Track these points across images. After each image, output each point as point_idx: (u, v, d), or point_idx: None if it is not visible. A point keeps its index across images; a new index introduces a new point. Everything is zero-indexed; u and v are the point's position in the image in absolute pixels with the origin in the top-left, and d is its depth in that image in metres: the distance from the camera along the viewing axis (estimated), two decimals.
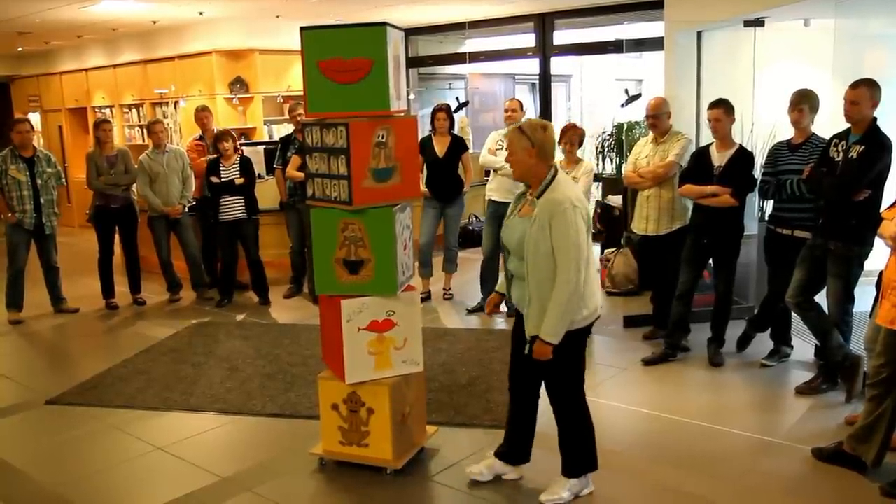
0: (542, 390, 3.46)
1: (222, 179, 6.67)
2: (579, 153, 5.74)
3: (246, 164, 6.81)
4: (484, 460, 3.65)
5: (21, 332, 6.54)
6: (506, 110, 6.50)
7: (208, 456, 4.03)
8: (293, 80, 9.84)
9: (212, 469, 3.85)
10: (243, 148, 7.33)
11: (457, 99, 9.08)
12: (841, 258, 4.28)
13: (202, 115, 7.46)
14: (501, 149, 6.01)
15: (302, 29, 3.51)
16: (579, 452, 3.40)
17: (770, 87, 6.06)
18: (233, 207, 6.73)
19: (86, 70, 11.73)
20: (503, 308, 3.89)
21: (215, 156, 6.87)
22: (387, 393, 3.59)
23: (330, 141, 3.50)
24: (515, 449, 3.59)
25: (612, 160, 9.69)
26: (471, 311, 6.44)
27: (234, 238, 6.85)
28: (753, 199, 5.51)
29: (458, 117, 9.20)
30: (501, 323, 6.14)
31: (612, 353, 5.48)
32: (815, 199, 4.45)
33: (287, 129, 8.56)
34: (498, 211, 6.06)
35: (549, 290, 3.12)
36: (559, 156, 5.92)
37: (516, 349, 3.46)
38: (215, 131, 7.34)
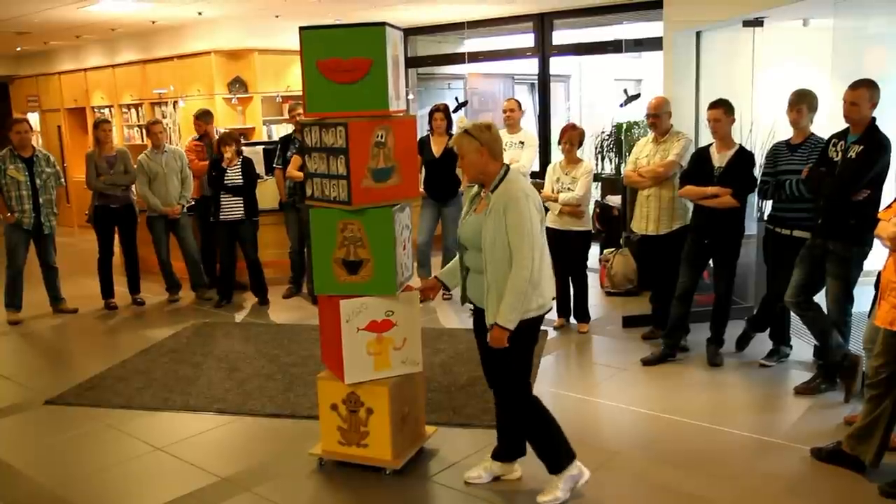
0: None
1: (225, 183, 6.67)
2: (579, 153, 5.74)
3: (247, 167, 6.81)
4: (481, 463, 3.66)
5: (20, 332, 6.54)
6: (504, 110, 6.50)
7: (207, 456, 4.03)
8: (292, 80, 9.84)
9: (211, 469, 3.85)
10: (243, 148, 7.32)
11: (456, 99, 9.06)
12: (840, 258, 4.28)
13: (199, 122, 7.46)
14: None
15: (301, 29, 3.51)
16: (550, 447, 3.40)
17: (769, 87, 6.05)
18: (232, 208, 6.73)
19: (85, 70, 11.72)
20: (454, 298, 3.83)
21: (218, 156, 6.87)
22: (386, 393, 3.59)
23: (329, 141, 3.50)
24: (508, 444, 3.59)
25: (611, 160, 9.69)
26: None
27: (233, 239, 6.85)
28: (753, 199, 5.51)
29: (457, 117, 9.19)
30: None
31: (610, 354, 5.48)
32: (814, 200, 4.45)
33: (286, 129, 8.56)
34: None
35: (506, 279, 3.18)
36: (558, 156, 5.94)
37: (481, 345, 3.49)
38: (217, 133, 7.35)
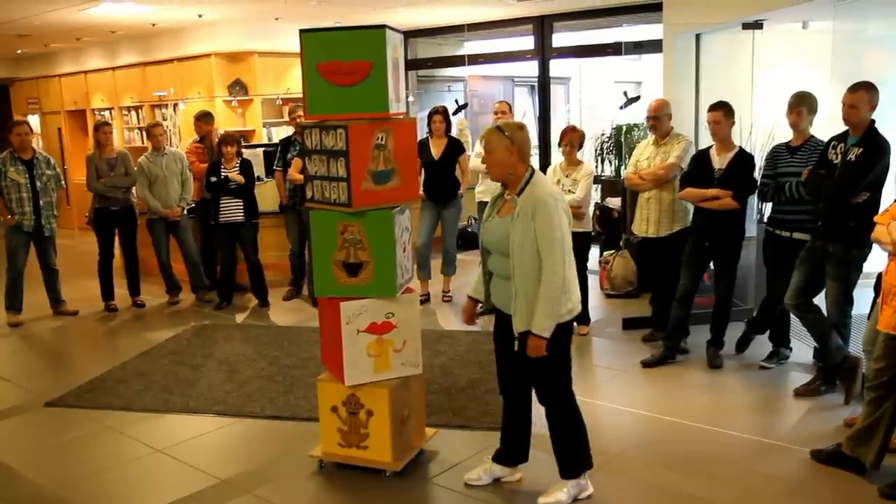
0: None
1: (228, 185, 6.68)
2: (579, 155, 5.74)
3: (246, 167, 6.82)
4: (481, 465, 3.66)
5: (20, 334, 6.54)
6: (495, 112, 6.51)
7: (207, 458, 4.03)
8: (292, 82, 9.85)
9: (211, 471, 3.85)
10: (243, 150, 7.33)
11: (455, 101, 9.08)
12: (840, 260, 4.28)
13: (199, 123, 7.47)
14: None
15: (301, 31, 3.51)
16: (573, 452, 3.40)
17: (769, 89, 6.06)
18: (232, 210, 6.73)
19: (85, 72, 11.73)
20: (479, 311, 3.80)
21: (218, 157, 6.88)
22: (386, 395, 3.59)
23: (329, 143, 3.51)
24: (512, 449, 3.59)
25: (610, 162, 9.70)
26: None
27: (233, 241, 6.86)
28: (753, 201, 5.51)
29: (457, 120, 9.19)
30: None
31: (610, 356, 5.48)
32: (813, 202, 4.46)
33: (286, 131, 8.57)
34: None
35: (535, 285, 3.14)
36: (559, 158, 5.95)
37: (500, 350, 3.47)
38: (219, 133, 7.36)
